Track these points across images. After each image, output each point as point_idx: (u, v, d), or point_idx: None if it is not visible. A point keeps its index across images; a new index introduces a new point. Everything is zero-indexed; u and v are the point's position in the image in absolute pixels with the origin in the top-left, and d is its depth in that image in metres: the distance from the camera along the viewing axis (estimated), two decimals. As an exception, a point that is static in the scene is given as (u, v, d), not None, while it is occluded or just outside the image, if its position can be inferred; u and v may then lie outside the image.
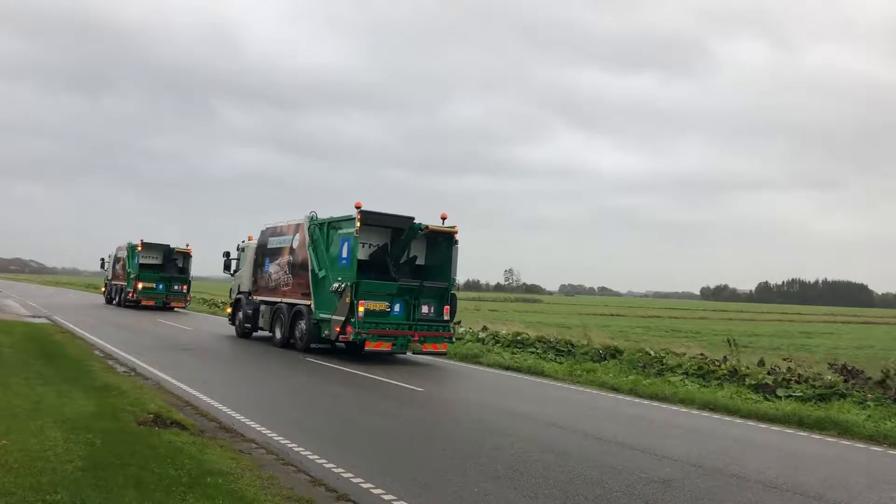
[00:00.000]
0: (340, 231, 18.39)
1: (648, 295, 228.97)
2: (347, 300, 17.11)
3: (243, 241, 25.20)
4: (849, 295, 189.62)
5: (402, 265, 18.95)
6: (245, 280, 24.04)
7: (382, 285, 17.64)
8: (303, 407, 11.69)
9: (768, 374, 15.04)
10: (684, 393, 13.95)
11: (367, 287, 17.36)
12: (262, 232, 23.30)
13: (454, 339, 19.23)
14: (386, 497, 6.61)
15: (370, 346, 17.23)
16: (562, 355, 19.64)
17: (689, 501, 6.94)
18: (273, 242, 22.22)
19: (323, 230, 19.21)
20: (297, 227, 20.66)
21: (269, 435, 9.02)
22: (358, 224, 17.47)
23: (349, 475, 7.27)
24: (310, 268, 19.30)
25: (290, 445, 8.49)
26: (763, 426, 11.47)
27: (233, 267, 25.91)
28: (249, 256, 23.91)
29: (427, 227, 18.41)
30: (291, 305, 20.25)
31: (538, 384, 15.61)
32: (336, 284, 17.64)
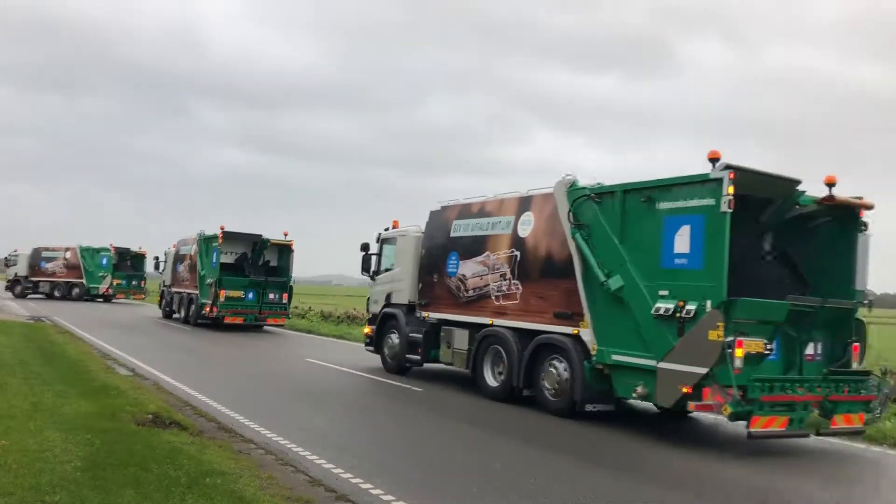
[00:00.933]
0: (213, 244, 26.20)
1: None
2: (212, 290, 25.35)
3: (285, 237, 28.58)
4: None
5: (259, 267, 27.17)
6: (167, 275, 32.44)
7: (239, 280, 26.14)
8: (302, 407, 11.68)
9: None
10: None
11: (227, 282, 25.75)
12: (178, 242, 31.06)
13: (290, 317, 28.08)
14: (385, 497, 6.61)
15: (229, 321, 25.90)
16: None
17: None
18: (182, 250, 30.22)
19: (204, 244, 27.06)
20: (194, 240, 28.19)
21: (268, 435, 9.02)
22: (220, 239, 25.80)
23: (348, 475, 7.27)
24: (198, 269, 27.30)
25: (289, 445, 8.48)
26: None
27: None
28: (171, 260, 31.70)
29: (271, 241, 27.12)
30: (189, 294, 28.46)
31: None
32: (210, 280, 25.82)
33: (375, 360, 16.76)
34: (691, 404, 9.24)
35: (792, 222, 10.74)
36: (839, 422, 9.62)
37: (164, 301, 32.53)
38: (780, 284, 10.33)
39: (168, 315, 31.22)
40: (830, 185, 10.13)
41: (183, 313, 29.21)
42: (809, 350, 10.29)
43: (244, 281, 26.20)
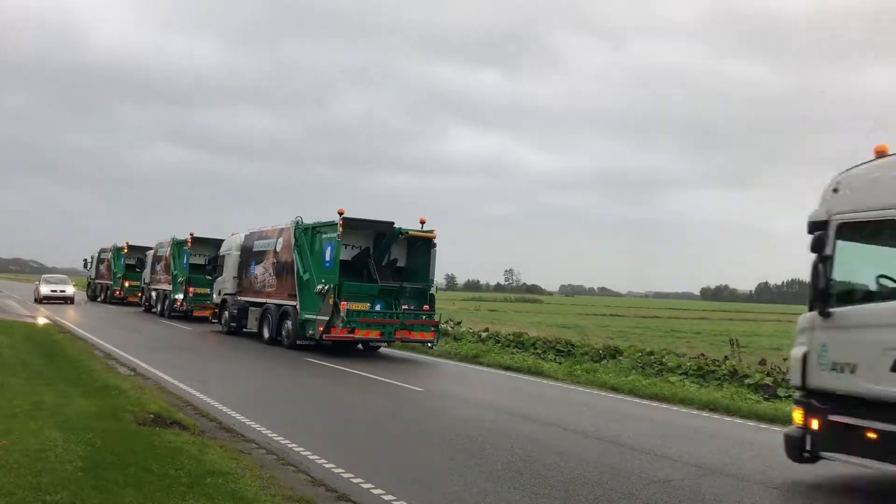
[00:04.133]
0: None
1: (649, 295, 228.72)
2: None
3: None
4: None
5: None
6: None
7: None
8: (303, 407, 11.69)
9: (768, 374, 15.04)
10: (684, 393, 13.95)
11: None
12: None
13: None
14: (386, 497, 6.62)
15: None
16: (562, 355, 19.66)
17: (689, 501, 6.94)
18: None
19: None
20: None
21: (270, 435, 9.02)
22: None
23: (349, 475, 7.27)
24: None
25: (290, 445, 8.49)
26: (763, 426, 11.47)
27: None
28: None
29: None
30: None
31: (538, 384, 15.62)
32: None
33: (375, 360, 16.96)
34: (325, 335, 18.49)
35: (403, 243, 20.63)
36: (416, 335, 19.14)
37: (144, 297, 36.97)
38: (388, 275, 19.75)
39: (148, 309, 35.96)
40: (422, 223, 20.01)
41: (159, 307, 33.50)
42: (405, 306, 19.21)
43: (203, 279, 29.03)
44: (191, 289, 29.94)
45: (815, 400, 7.58)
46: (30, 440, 7.36)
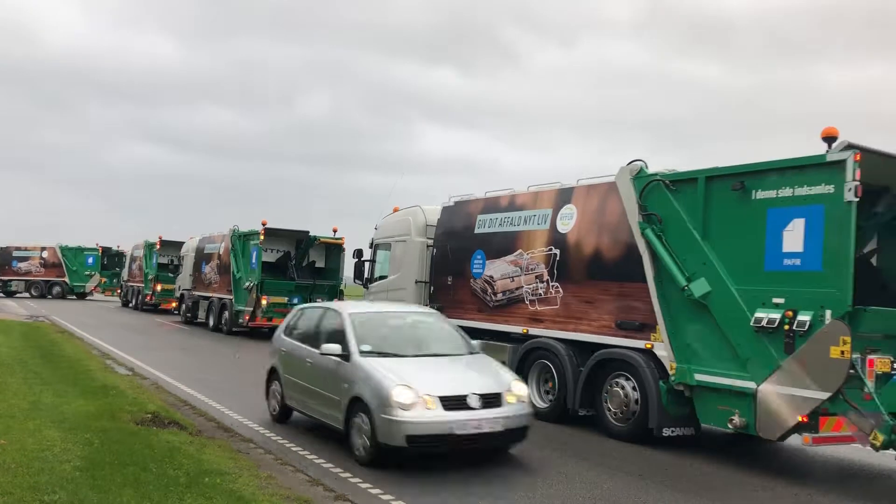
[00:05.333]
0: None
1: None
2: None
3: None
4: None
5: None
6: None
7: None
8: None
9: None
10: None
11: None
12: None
13: None
14: (384, 497, 6.62)
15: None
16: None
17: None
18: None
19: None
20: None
21: (268, 434, 9.02)
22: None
23: (347, 475, 7.28)
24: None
25: (288, 445, 8.49)
26: None
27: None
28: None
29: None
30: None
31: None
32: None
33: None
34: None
35: (321, 247, 13.53)
36: None
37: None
38: (307, 275, 11.52)
39: (125, 304, 35.74)
40: (334, 231, 19.14)
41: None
42: (318, 300, 10.64)
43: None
44: (158, 285, 33.97)
45: None
46: (28, 440, 7.36)
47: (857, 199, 7.40)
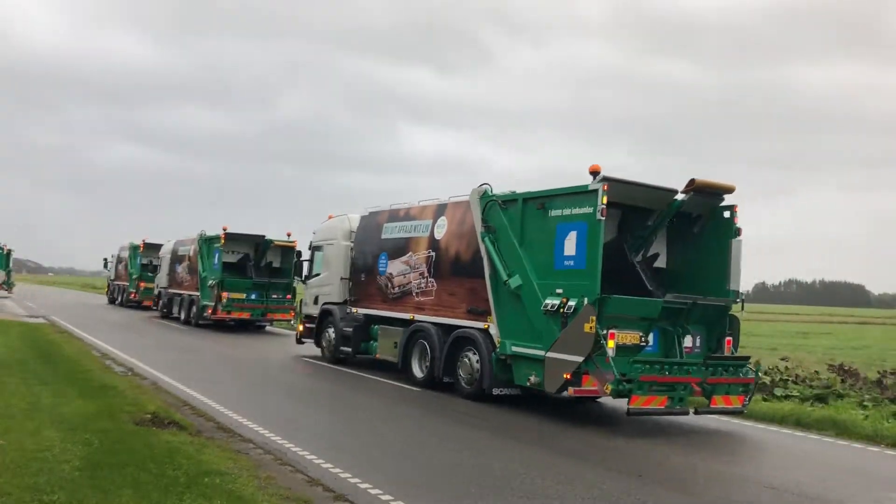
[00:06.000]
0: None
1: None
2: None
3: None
4: (845, 295, 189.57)
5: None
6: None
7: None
8: (300, 406, 11.67)
9: (765, 374, 15.07)
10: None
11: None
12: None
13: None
14: (383, 497, 6.61)
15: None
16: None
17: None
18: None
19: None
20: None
21: (267, 435, 9.01)
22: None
23: (347, 475, 7.26)
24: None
25: (287, 445, 8.47)
26: (761, 426, 11.48)
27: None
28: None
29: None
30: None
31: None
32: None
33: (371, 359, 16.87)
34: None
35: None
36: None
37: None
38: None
39: (112, 301, 36.45)
40: (288, 235, 23.42)
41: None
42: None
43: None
44: (142, 283, 37.30)
45: (304, 318, 18.04)
46: (27, 440, 7.35)
47: (604, 219, 10.25)
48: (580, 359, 10.09)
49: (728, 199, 11.58)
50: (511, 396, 12.20)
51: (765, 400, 13.20)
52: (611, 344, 9.99)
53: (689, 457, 9.02)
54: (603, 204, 10.29)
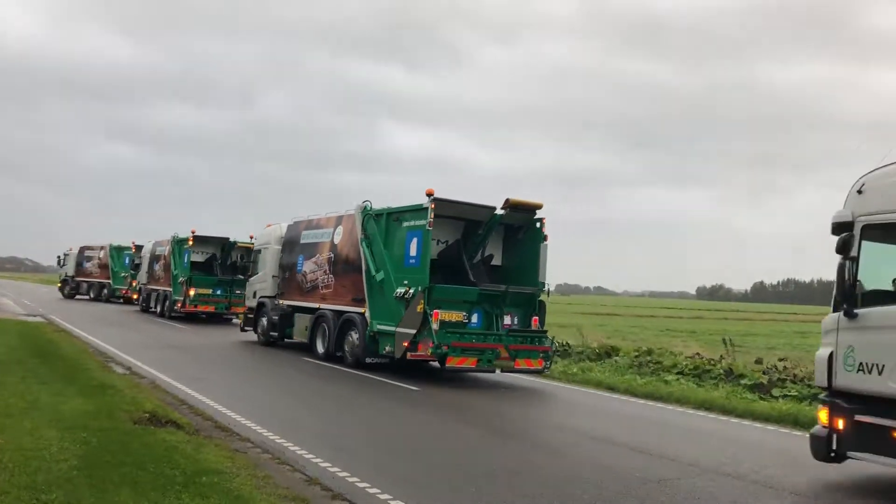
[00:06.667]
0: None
1: (644, 294, 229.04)
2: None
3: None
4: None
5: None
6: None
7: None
8: (298, 406, 11.68)
9: (764, 373, 15.08)
10: (680, 392, 13.98)
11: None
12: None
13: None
14: (381, 496, 6.61)
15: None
16: (557, 354, 19.70)
17: (685, 501, 6.95)
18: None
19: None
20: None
21: (265, 434, 9.01)
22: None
23: (344, 474, 7.27)
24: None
25: (285, 444, 8.48)
26: (759, 425, 11.49)
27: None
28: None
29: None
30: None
31: (532, 383, 15.62)
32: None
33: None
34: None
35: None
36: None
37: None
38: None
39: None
40: (251, 237, 23.29)
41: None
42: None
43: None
44: (133, 282, 40.24)
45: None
46: (24, 439, 7.34)
47: (431, 229, 14.24)
48: (414, 331, 14.11)
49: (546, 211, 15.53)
50: (382, 364, 15.79)
51: (762, 399, 13.24)
52: (434, 320, 13.75)
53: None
54: (431, 218, 14.19)
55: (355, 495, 6.62)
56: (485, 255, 16.04)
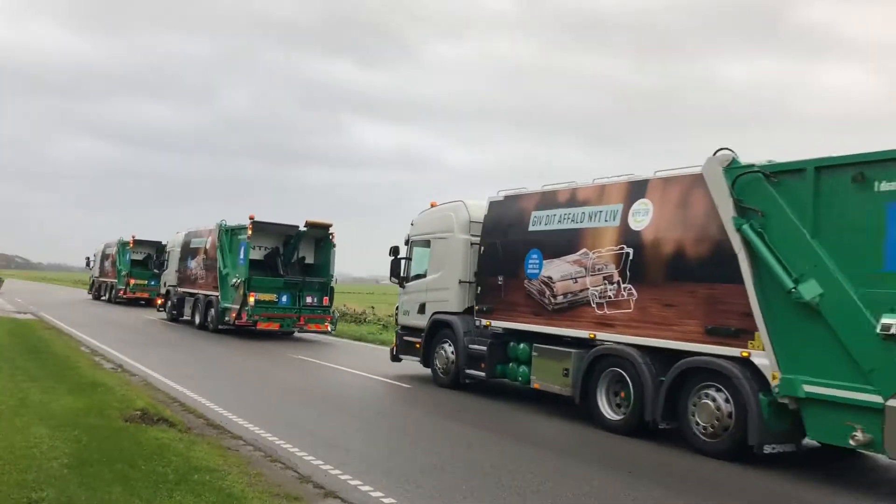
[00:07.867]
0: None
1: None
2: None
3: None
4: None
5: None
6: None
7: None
8: (291, 404, 11.66)
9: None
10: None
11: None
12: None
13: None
14: (374, 494, 6.61)
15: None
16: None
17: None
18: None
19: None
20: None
21: (257, 432, 9.00)
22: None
23: (337, 472, 7.27)
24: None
25: (277, 442, 8.47)
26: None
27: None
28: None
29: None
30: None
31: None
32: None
33: (365, 358, 16.94)
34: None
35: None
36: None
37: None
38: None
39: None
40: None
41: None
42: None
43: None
44: (252, 295, 40.11)
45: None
46: (15, 437, 7.32)
47: (250, 241, 22.60)
48: (238, 306, 21.97)
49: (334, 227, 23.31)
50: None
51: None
52: (251, 299, 21.49)
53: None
54: (249, 233, 22.26)
55: (348, 493, 6.62)
56: (300, 256, 23.73)
